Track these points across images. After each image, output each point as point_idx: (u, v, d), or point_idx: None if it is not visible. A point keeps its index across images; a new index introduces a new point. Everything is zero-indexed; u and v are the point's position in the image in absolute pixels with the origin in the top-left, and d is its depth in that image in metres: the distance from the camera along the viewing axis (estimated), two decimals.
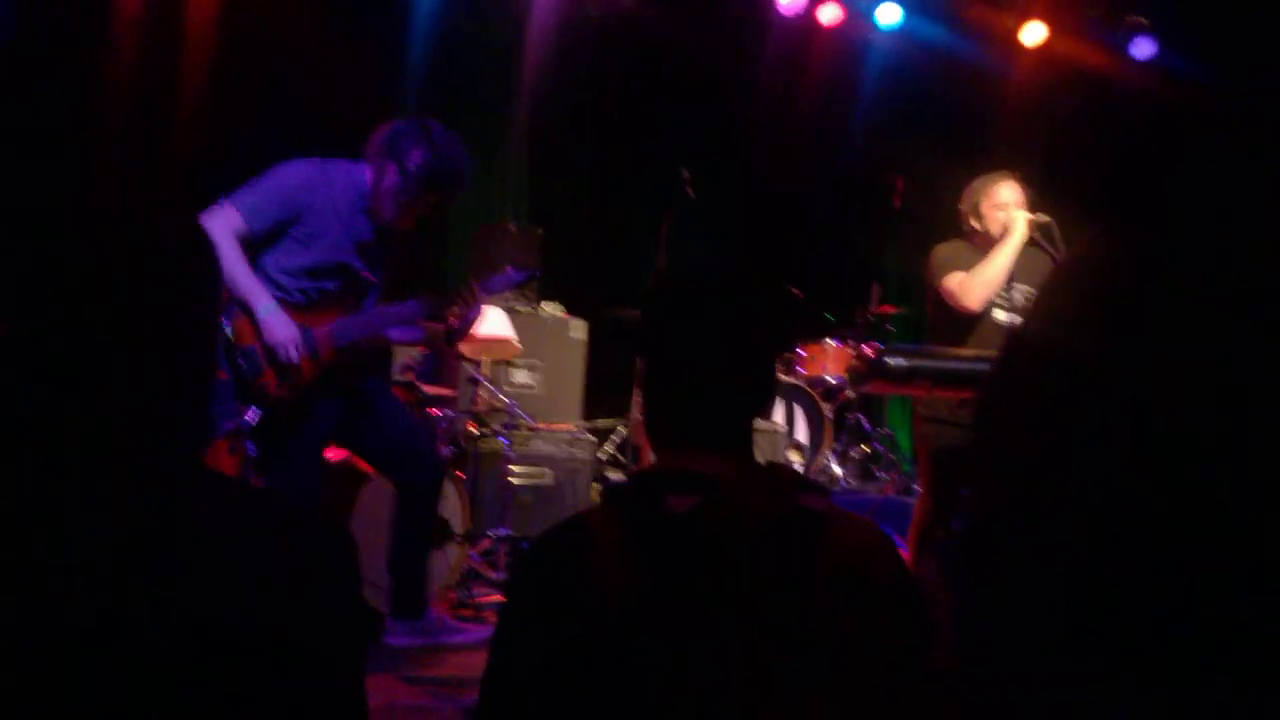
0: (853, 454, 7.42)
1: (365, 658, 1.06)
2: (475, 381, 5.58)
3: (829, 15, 7.45)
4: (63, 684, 0.86)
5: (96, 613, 0.88)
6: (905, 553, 4.24)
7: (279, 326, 3.47)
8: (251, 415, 3.49)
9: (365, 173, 3.67)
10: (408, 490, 3.93)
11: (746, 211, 8.44)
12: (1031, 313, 0.64)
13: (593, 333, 6.62)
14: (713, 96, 8.06)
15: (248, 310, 3.46)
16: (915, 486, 5.24)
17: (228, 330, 3.46)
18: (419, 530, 3.96)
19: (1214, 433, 0.52)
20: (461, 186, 3.79)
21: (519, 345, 5.57)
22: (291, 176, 3.54)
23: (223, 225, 3.38)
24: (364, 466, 4.17)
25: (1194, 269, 0.55)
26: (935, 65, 7.82)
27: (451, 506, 4.68)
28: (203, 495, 0.99)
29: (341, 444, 4.01)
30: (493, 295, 3.93)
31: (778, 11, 7.39)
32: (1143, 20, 7.56)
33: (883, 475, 7.32)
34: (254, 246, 3.52)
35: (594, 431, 6.17)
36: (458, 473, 4.76)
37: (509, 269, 3.95)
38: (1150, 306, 0.56)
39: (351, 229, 3.63)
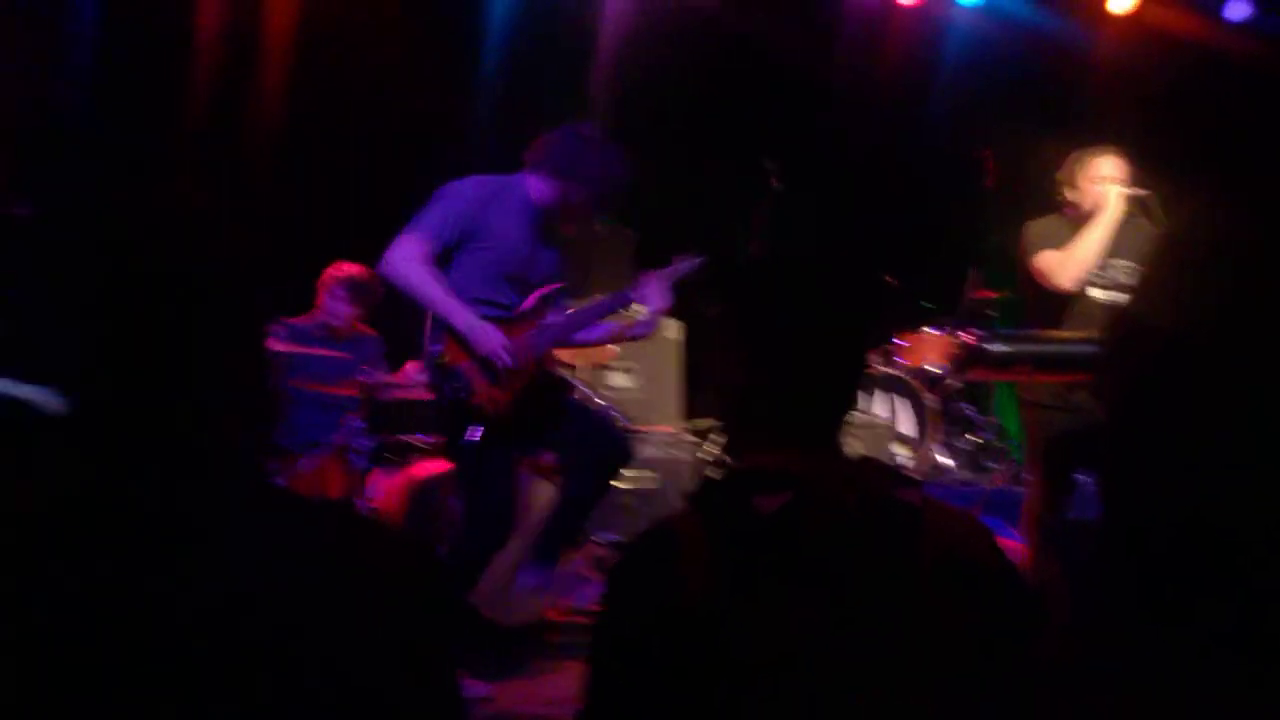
0: (960, 445, 7.26)
1: (452, 668, 1.05)
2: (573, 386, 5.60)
3: None
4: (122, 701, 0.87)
5: (162, 636, 0.88)
6: (1018, 542, 4.15)
7: (485, 336, 3.51)
8: (474, 433, 3.56)
9: (532, 184, 3.73)
10: (594, 464, 3.92)
11: (837, 200, 8.35)
12: (1140, 291, 0.61)
13: (688, 332, 6.59)
14: (794, 85, 7.99)
15: (451, 329, 3.52)
16: (1026, 475, 5.12)
17: (438, 353, 3.54)
18: (589, 497, 3.95)
19: None
20: (626, 189, 3.89)
21: (614, 348, 5.58)
22: (463, 193, 3.63)
23: (408, 253, 3.47)
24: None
25: None
26: (1020, 39, 7.64)
27: None
28: (269, 512, 1.00)
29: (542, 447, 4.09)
30: (673, 283, 3.92)
31: None
32: None
33: (993, 465, 7.16)
34: (443, 267, 3.59)
35: (694, 431, 6.15)
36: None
37: (675, 260, 3.97)
38: (1258, 275, 0.53)
39: (528, 240, 3.71)
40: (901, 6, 7.44)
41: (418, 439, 5.09)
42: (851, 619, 1.26)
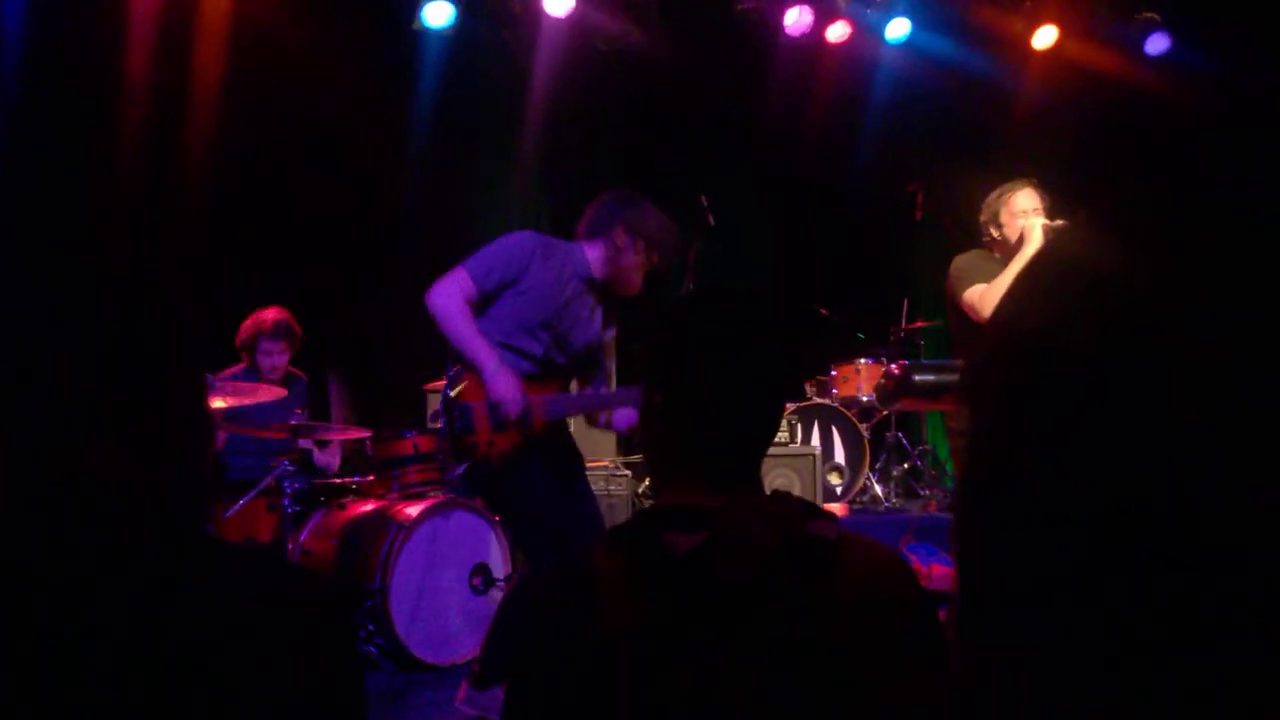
0: (894, 472, 7.35)
1: (365, 712, 1.05)
2: None
3: (837, 33, 7.45)
4: None
5: (98, 674, 0.89)
6: (950, 567, 4.18)
7: (504, 384, 3.49)
8: (459, 469, 3.59)
9: (586, 250, 3.71)
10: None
11: (770, 234, 8.44)
12: (1010, 299, 0.62)
13: (622, 366, 6.61)
14: (726, 122, 8.09)
15: (476, 370, 3.50)
16: None
17: (455, 387, 3.54)
18: None
19: (1204, 421, 0.50)
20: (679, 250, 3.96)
21: None
22: (520, 243, 3.61)
23: (453, 289, 3.49)
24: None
25: (1183, 250, 0.54)
26: (946, 76, 7.80)
27: (492, 551, 4.68)
28: (200, 560, 1.00)
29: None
30: None
31: (785, 33, 7.40)
32: (1155, 16, 7.50)
33: (925, 492, 7.25)
34: (480, 311, 3.58)
35: (629, 466, 6.15)
36: (495, 516, 4.77)
37: None
38: (1134, 292, 0.55)
39: (575, 303, 3.67)
40: (831, 44, 7.56)
41: (350, 480, 5.05)
42: (768, 656, 1.26)
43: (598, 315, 3.78)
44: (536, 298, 3.58)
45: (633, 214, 3.70)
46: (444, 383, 3.61)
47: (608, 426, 3.90)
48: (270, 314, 5.18)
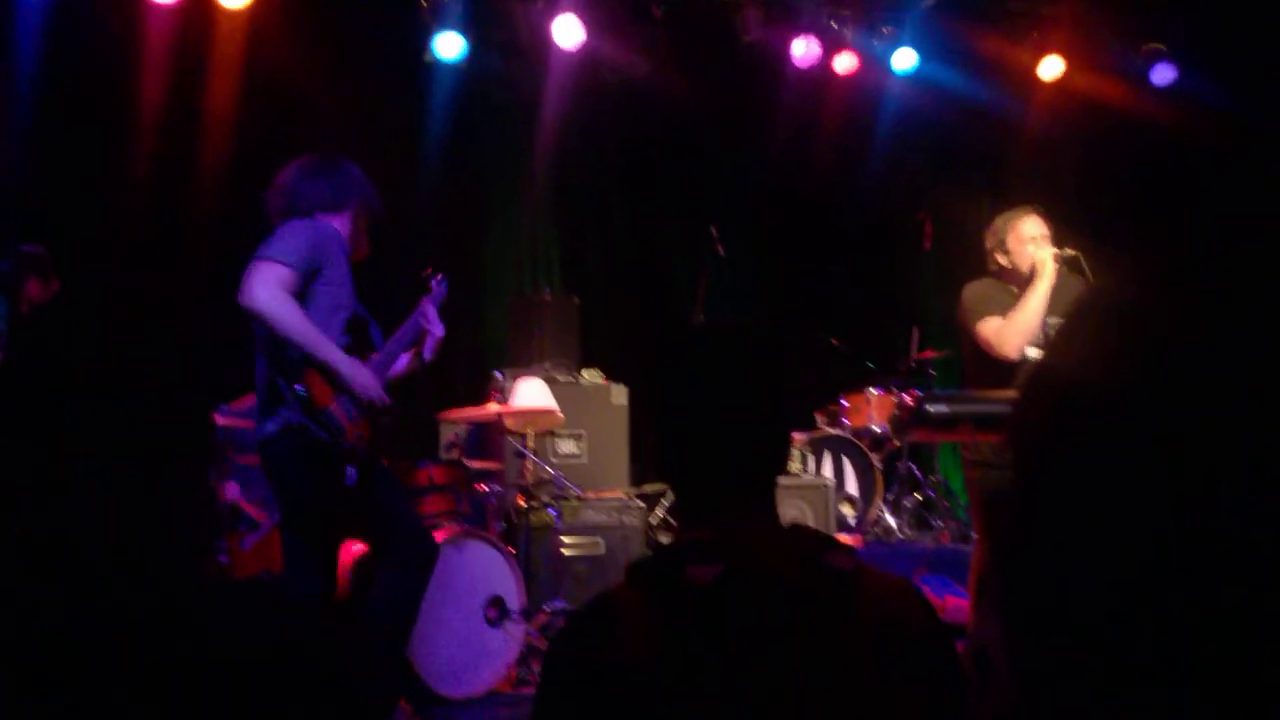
0: (906, 503, 7.33)
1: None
2: (521, 455, 5.59)
3: (844, 65, 7.50)
4: None
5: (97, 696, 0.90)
6: (964, 600, 4.18)
7: (363, 374, 3.44)
8: (351, 474, 3.42)
9: (336, 224, 3.64)
10: (404, 563, 3.68)
11: (780, 264, 8.47)
12: (1052, 346, 0.63)
13: (634, 398, 6.63)
14: (735, 153, 8.13)
15: (322, 367, 3.38)
16: (973, 534, 5.19)
17: (302, 394, 3.36)
18: (399, 621, 3.66)
19: (1244, 462, 0.52)
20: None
21: (561, 415, 5.59)
22: (319, 230, 3.51)
23: (273, 283, 3.29)
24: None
25: (1218, 297, 0.55)
26: (954, 106, 7.84)
27: (507, 582, 4.68)
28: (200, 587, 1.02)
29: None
30: (439, 306, 3.85)
31: (793, 65, 7.45)
32: (1161, 47, 7.54)
33: (938, 523, 7.22)
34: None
35: (643, 497, 6.16)
36: (509, 548, 4.77)
37: (433, 284, 3.89)
38: (1174, 337, 0.56)
39: (349, 276, 3.61)
40: (838, 76, 7.61)
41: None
42: (787, 688, 1.27)
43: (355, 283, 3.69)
44: (341, 284, 3.52)
45: (361, 182, 3.71)
46: (285, 401, 3.39)
47: (399, 373, 3.81)
48: None
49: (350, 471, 3.40)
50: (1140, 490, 0.54)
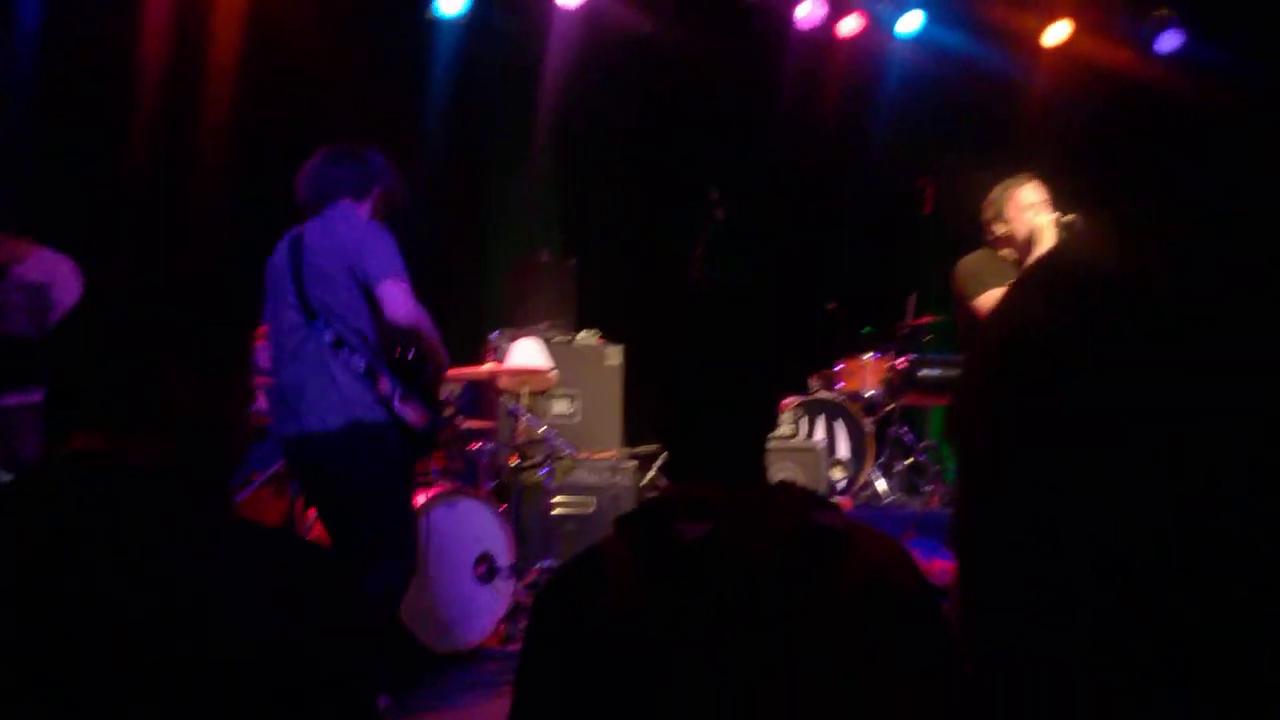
0: (897, 468, 7.34)
1: (367, 682, 1.07)
2: (514, 414, 5.59)
3: (849, 27, 7.44)
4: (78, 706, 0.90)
5: (111, 638, 0.91)
6: (951, 563, 4.18)
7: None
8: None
9: (360, 212, 3.74)
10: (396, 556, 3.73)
11: (779, 228, 8.44)
12: (995, 310, 0.62)
13: (629, 358, 6.62)
14: (737, 115, 8.08)
15: (438, 365, 3.70)
16: None
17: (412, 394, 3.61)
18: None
19: (1193, 437, 0.51)
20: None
21: (555, 375, 5.59)
22: (383, 234, 3.64)
23: (414, 298, 3.53)
24: None
25: (1212, 263, 0.54)
26: (957, 71, 7.78)
27: (497, 540, 4.70)
28: (219, 535, 1.02)
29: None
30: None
31: (797, 26, 7.38)
32: (1169, 12, 7.47)
33: (929, 488, 7.24)
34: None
35: (636, 458, 6.17)
36: (501, 506, 4.79)
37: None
38: (1110, 291, 0.55)
39: None
40: (842, 38, 7.54)
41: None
42: (775, 644, 1.28)
43: None
44: None
45: (385, 170, 3.82)
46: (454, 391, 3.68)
47: None
48: None
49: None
50: (1098, 449, 0.53)
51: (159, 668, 0.92)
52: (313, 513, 4.72)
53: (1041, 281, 0.61)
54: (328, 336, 3.51)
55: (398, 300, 3.47)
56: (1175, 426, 0.49)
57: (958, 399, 0.64)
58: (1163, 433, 0.50)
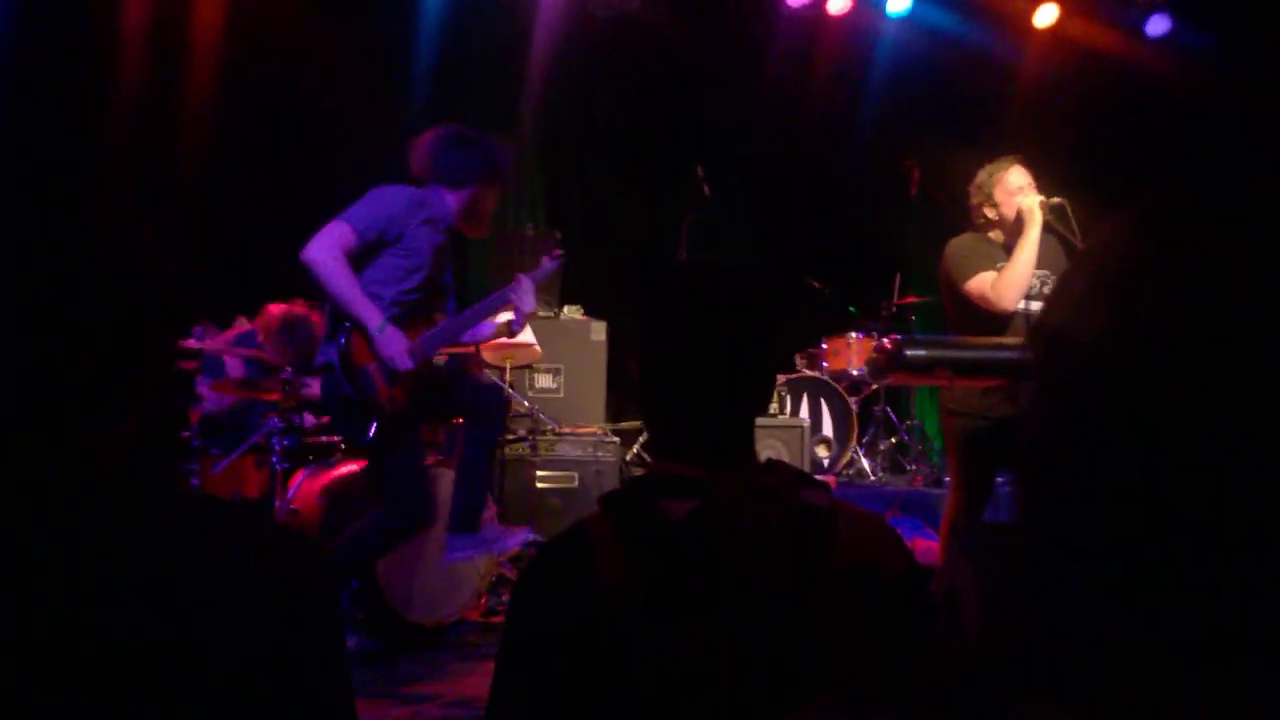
0: (881, 446, 7.37)
1: (347, 668, 1.06)
2: None
3: (838, 5, 7.41)
4: (52, 704, 0.87)
5: (79, 632, 0.89)
6: (934, 543, 4.20)
7: (393, 341, 3.63)
8: (371, 429, 3.70)
9: (447, 198, 3.85)
10: (479, 431, 4.00)
11: (765, 205, 8.43)
12: (1050, 303, 0.62)
13: (613, 334, 6.61)
14: (725, 92, 8.05)
15: (362, 329, 3.62)
16: (946, 478, 5.22)
17: (339, 352, 3.63)
18: (485, 463, 4.09)
19: (1232, 427, 0.51)
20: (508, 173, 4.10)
21: (540, 350, 5.57)
22: (395, 199, 3.72)
23: (334, 244, 3.55)
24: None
25: (1213, 255, 0.54)
26: (946, 52, 7.77)
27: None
28: (180, 515, 1.00)
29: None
30: (539, 284, 4.05)
31: (786, 4, 7.35)
32: None
33: (912, 467, 7.28)
34: (356, 262, 3.64)
35: (619, 433, 6.16)
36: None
37: (544, 259, 4.13)
38: (1169, 294, 0.55)
39: (438, 246, 3.82)
40: (831, 17, 7.51)
41: (339, 439, 5.04)
42: (760, 622, 1.27)
43: (449, 252, 3.96)
44: (416, 252, 3.74)
45: (489, 163, 3.87)
46: (332, 345, 3.68)
47: (474, 342, 4.13)
48: (277, 308, 5.19)
49: (371, 428, 3.70)
50: (1141, 451, 0.53)
51: (132, 671, 0.90)
52: (293, 483, 4.71)
53: (1091, 278, 0.60)
54: None
55: (315, 238, 3.54)
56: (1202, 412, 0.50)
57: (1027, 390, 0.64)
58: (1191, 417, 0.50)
